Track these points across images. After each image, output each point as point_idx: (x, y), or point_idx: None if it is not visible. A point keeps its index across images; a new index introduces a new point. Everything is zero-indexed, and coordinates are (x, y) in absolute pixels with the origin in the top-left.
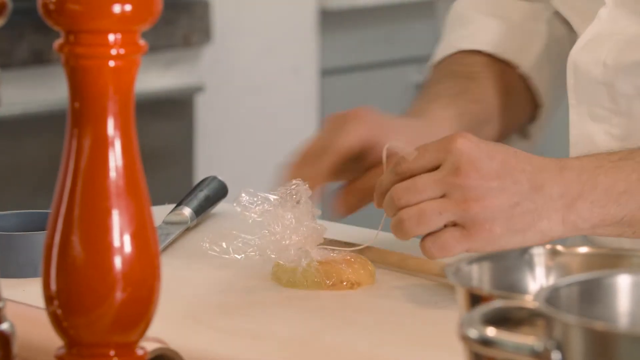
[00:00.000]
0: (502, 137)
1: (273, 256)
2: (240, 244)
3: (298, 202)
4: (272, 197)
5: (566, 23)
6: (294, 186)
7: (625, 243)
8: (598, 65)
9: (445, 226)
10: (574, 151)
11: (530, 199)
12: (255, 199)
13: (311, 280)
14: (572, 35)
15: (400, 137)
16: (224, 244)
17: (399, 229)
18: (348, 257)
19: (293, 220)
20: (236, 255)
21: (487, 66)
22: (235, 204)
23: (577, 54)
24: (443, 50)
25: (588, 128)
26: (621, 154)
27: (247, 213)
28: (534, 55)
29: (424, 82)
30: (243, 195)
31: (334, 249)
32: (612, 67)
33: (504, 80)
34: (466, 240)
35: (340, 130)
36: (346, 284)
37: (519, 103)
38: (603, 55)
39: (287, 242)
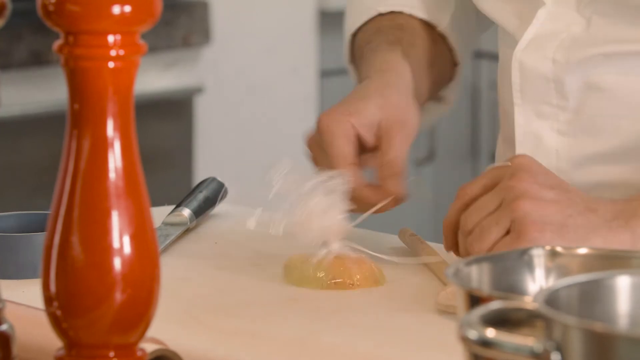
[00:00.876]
0: (435, 89)
1: (291, 232)
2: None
3: (331, 192)
4: (308, 175)
5: None
6: (331, 176)
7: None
8: (546, 62)
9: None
10: (520, 150)
11: (585, 216)
12: (291, 171)
13: (321, 278)
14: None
15: (369, 106)
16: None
17: (468, 254)
18: (362, 258)
19: (319, 205)
20: (250, 225)
21: (410, 20)
22: (271, 168)
23: (522, 53)
24: (361, 14)
25: (534, 126)
26: None
27: (279, 181)
28: (449, 15)
29: (355, 51)
30: (281, 163)
31: (353, 247)
32: (562, 64)
33: (428, 32)
34: (517, 242)
35: (328, 147)
36: (352, 285)
37: (444, 54)
38: (551, 52)
39: (309, 225)
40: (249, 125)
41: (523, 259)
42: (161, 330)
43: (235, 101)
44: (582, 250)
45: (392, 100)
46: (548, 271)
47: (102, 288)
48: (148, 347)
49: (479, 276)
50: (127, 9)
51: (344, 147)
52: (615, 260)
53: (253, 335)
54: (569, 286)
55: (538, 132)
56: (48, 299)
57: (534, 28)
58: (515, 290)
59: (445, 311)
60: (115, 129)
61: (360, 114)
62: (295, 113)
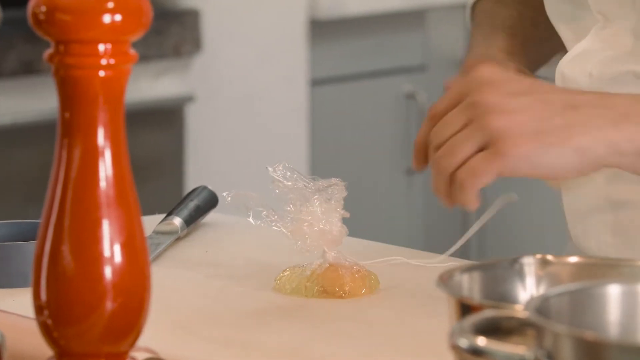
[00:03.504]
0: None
1: (289, 234)
2: (263, 213)
3: (329, 200)
4: (307, 180)
5: None
6: (331, 184)
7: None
8: (584, 75)
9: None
10: None
11: (563, 116)
12: (290, 174)
13: (313, 287)
14: None
15: None
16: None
17: (436, 169)
18: (356, 268)
19: (319, 210)
20: (251, 220)
21: None
22: (271, 170)
23: (565, 66)
24: None
25: None
26: None
27: (278, 183)
28: None
29: (473, 17)
30: (280, 166)
31: (346, 258)
32: (597, 78)
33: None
34: (495, 159)
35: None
36: (344, 294)
37: (548, 26)
38: (589, 67)
39: (307, 229)
40: (240, 134)
41: (514, 267)
42: (152, 339)
43: (226, 110)
44: (573, 259)
45: None
46: (539, 280)
47: (92, 297)
48: (139, 355)
49: (470, 285)
50: (118, 18)
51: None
52: (606, 269)
53: (244, 344)
54: (559, 295)
55: None
56: (39, 308)
57: (585, 43)
58: (506, 298)
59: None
60: (106, 137)
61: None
62: (286, 122)
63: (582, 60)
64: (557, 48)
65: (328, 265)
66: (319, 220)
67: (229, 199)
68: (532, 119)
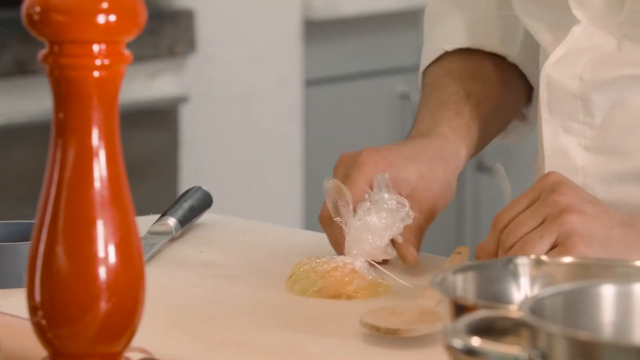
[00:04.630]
0: (505, 127)
1: (345, 230)
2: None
3: (389, 215)
4: (392, 197)
5: None
6: (403, 207)
7: None
8: (574, 79)
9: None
10: (549, 163)
11: (623, 230)
12: (385, 190)
13: (312, 287)
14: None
15: (412, 167)
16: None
17: None
18: (363, 272)
19: (386, 227)
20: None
21: (479, 61)
22: (374, 179)
23: (551, 69)
24: (430, 53)
25: (561, 141)
26: None
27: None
28: (517, 42)
29: (422, 88)
30: (381, 177)
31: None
32: (589, 82)
33: (497, 71)
34: (566, 254)
35: (348, 180)
36: (348, 296)
37: (517, 90)
38: (579, 70)
39: (364, 236)
40: (234, 134)
41: (508, 268)
42: (146, 339)
43: (220, 110)
44: (567, 259)
45: (435, 176)
46: (533, 280)
47: (87, 297)
48: (133, 356)
49: (464, 285)
50: (112, 18)
51: (360, 192)
52: (600, 269)
53: (239, 344)
54: (553, 295)
55: (565, 148)
56: (33, 309)
57: (567, 44)
58: (501, 299)
59: (364, 328)
60: (100, 138)
61: (400, 172)
62: (280, 122)
63: (568, 63)
64: (502, 126)
65: (331, 267)
66: (380, 234)
67: (327, 185)
68: (601, 226)
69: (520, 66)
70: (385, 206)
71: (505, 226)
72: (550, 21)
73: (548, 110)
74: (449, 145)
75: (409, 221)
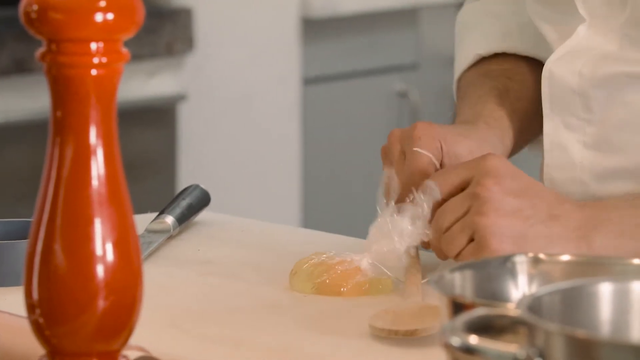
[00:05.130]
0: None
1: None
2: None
3: (416, 220)
4: (427, 211)
5: None
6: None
7: None
8: (574, 75)
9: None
10: (547, 158)
11: (546, 224)
12: (429, 199)
13: (309, 281)
14: None
15: (465, 143)
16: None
17: (439, 255)
18: (364, 269)
19: (409, 235)
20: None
21: (515, 62)
22: (427, 183)
23: (553, 65)
24: (464, 60)
25: (562, 137)
26: (637, 195)
27: (419, 194)
28: (548, 47)
29: (457, 91)
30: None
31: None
32: (588, 77)
33: (534, 74)
34: (480, 252)
35: (410, 154)
36: (342, 292)
37: None
38: (579, 66)
39: (387, 234)
40: (233, 132)
41: (506, 266)
42: (144, 337)
43: (218, 109)
44: (565, 257)
45: (484, 146)
46: (531, 278)
47: (84, 295)
48: (131, 354)
49: (462, 283)
50: (110, 16)
51: (427, 165)
52: (598, 267)
53: (236, 342)
54: (551, 293)
55: (565, 143)
56: (30, 307)
57: (572, 42)
58: (498, 297)
59: (375, 334)
60: (98, 136)
61: (453, 146)
62: (279, 121)
63: (570, 59)
64: (538, 129)
65: (329, 262)
66: (399, 234)
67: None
68: (517, 222)
69: None
70: (420, 214)
71: (440, 204)
72: (558, 21)
73: (549, 106)
74: (493, 132)
75: (425, 238)
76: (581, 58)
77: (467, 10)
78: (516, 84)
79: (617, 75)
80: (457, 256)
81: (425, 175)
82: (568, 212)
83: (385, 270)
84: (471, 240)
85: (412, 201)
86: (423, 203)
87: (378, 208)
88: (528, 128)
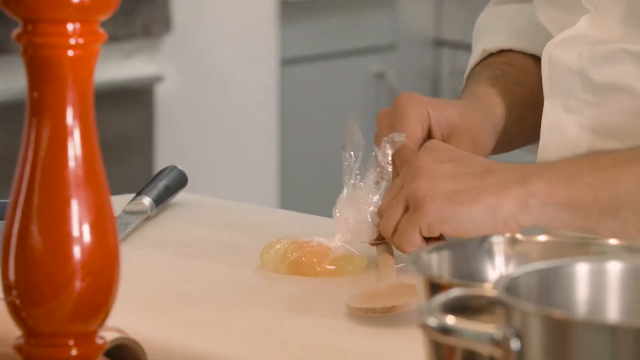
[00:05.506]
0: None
1: (344, 200)
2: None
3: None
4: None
5: None
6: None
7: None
8: (573, 55)
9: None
10: (544, 140)
11: (479, 177)
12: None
13: (282, 261)
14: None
15: (453, 107)
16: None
17: (383, 234)
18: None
19: (374, 203)
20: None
21: (521, 57)
22: (384, 145)
23: (553, 47)
24: (473, 56)
25: (561, 119)
26: (580, 154)
27: (381, 159)
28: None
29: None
30: (395, 138)
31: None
32: (587, 56)
33: (539, 69)
34: (414, 219)
35: (399, 123)
36: (316, 272)
37: None
38: (578, 47)
39: (354, 205)
40: (210, 113)
41: (483, 246)
42: (121, 318)
43: (195, 90)
44: (542, 238)
45: (474, 117)
46: (508, 258)
47: (61, 277)
48: (108, 335)
49: (439, 264)
50: None
51: (415, 128)
52: (575, 247)
53: (214, 324)
54: (528, 273)
55: (563, 125)
56: (7, 288)
57: (573, 30)
58: (475, 277)
59: (353, 314)
60: (75, 117)
61: (440, 109)
62: (256, 101)
63: (571, 43)
64: (538, 121)
65: (302, 242)
66: (370, 210)
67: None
68: (448, 180)
69: None
70: (385, 174)
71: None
72: (561, 14)
73: (549, 87)
74: (482, 104)
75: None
76: (581, 41)
77: (483, 14)
78: (516, 71)
79: (616, 52)
80: (394, 232)
81: (413, 138)
82: (505, 168)
83: (354, 251)
84: (407, 210)
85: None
86: (386, 163)
87: (343, 183)
88: (526, 116)
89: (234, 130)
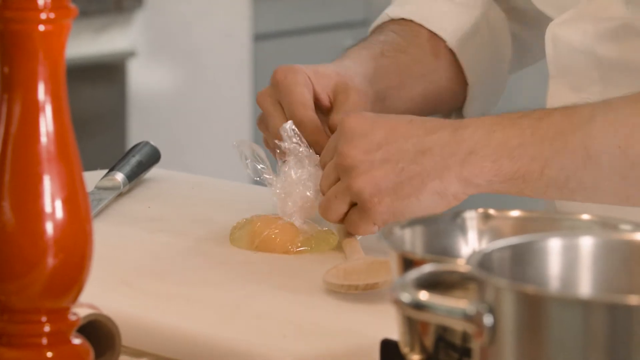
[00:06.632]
0: (428, 100)
1: (277, 191)
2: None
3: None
4: (306, 147)
5: (506, 12)
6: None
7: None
8: (577, 33)
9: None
10: None
11: (416, 162)
12: (295, 137)
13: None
14: (511, 24)
15: (329, 67)
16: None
17: (324, 216)
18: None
19: (309, 177)
20: (249, 172)
21: (417, 30)
22: (280, 130)
23: (557, 27)
24: (375, 22)
25: (567, 98)
26: (523, 112)
27: (281, 143)
28: (462, 33)
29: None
30: (287, 126)
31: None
32: (592, 34)
33: (432, 43)
34: (365, 217)
35: (286, 96)
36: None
37: (447, 70)
38: (583, 25)
39: (293, 190)
40: (182, 89)
41: (456, 222)
42: (94, 294)
43: (168, 65)
44: (515, 213)
45: (349, 72)
46: (481, 234)
47: (33, 253)
48: (81, 311)
49: (412, 239)
50: None
51: (304, 94)
52: (547, 223)
53: (187, 299)
54: (501, 249)
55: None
56: None
57: (575, 10)
58: (448, 253)
59: (332, 290)
60: (46, 93)
61: (318, 71)
62: (229, 77)
63: (574, 21)
64: (426, 90)
65: (270, 218)
66: (304, 186)
67: (235, 144)
68: (388, 173)
69: (458, 55)
70: (303, 154)
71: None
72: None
73: (555, 67)
74: (348, 61)
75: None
76: (586, 20)
77: None
78: (402, 39)
79: (622, 28)
80: (342, 221)
81: (305, 104)
82: (439, 140)
83: (316, 225)
84: (353, 204)
85: (284, 150)
86: (292, 142)
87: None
88: (405, 84)
89: (207, 105)
